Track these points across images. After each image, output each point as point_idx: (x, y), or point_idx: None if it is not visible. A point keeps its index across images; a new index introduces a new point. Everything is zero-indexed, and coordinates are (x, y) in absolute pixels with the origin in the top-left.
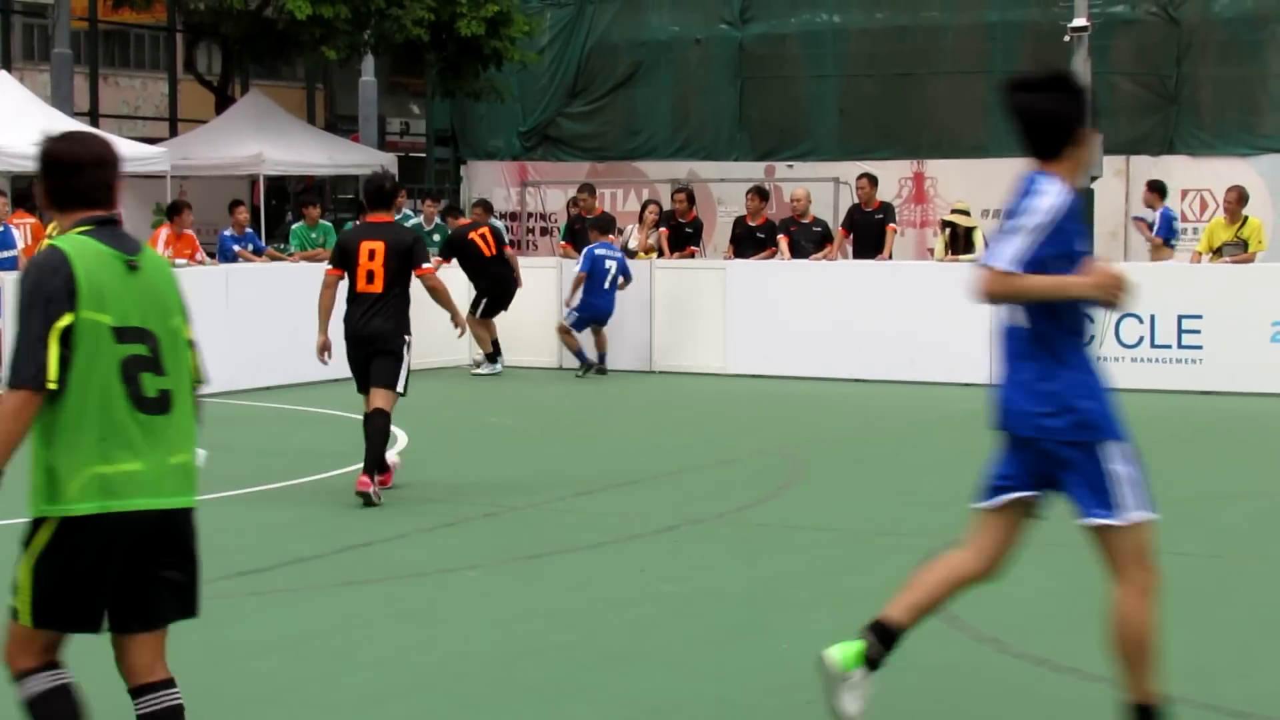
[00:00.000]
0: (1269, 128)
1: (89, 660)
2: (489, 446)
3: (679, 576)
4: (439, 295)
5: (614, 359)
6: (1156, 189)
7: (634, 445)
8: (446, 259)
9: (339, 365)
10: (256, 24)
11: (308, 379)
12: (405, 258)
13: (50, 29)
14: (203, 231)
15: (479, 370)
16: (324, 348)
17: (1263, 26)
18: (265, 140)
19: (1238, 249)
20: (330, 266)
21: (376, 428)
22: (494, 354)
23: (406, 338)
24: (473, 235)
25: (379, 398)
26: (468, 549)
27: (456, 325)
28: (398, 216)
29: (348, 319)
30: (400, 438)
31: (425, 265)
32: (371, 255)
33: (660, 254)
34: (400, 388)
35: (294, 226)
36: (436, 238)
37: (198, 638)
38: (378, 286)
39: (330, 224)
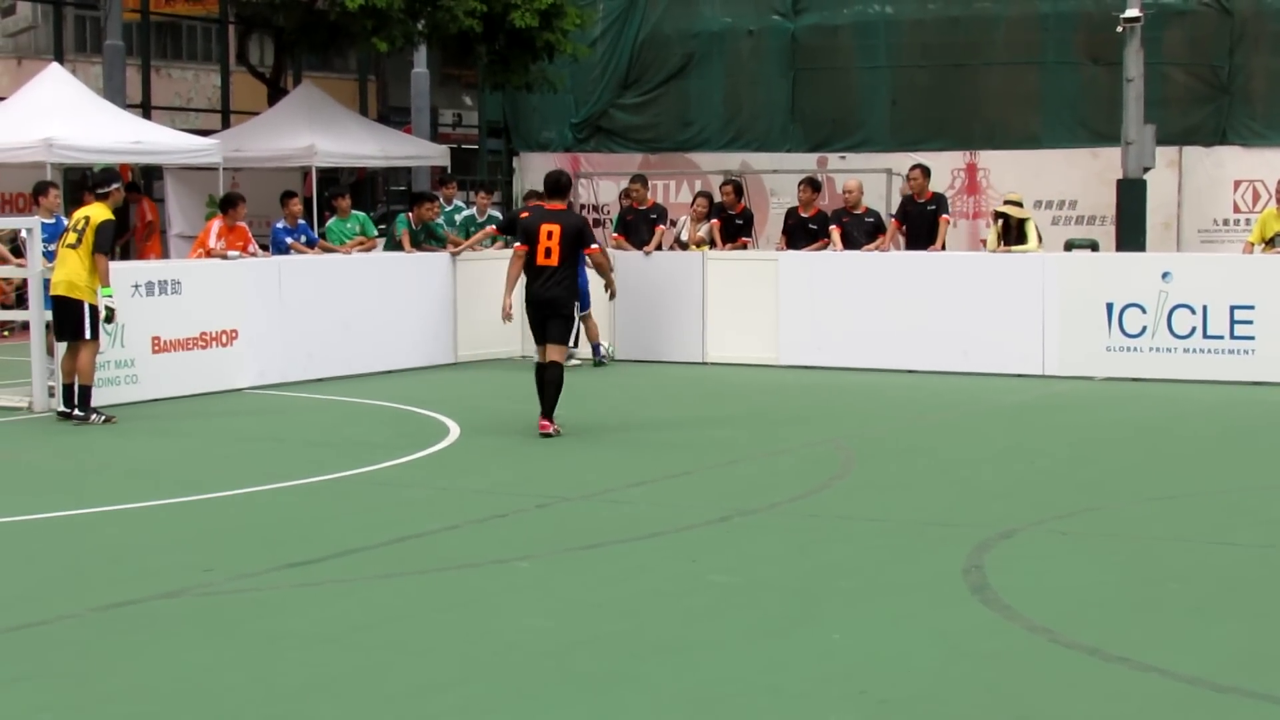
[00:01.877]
0: None
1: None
2: (541, 438)
3: (731, 567)
4: (602, 269)
5: (666, 350)
6: None
7: (686, 436)
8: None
9: (391, 357)
10: (309, 15)
11: (360, 370)
12: (576, 238)
13: (102, 21)
14: (255, 224)
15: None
16: (507, 311)
17: None
18: (317, 132)
19: None
20: (518, 243)
21: (551, 378)
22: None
23: (576, 303)
24: None
25: (553, 352)
26: (520, 540)
27: (611, 296)
28: (448, 208)
29: (529, 287)
30: (452, 429)
31: (593, 245)
32: (550, 235)
33: (712, 245)
34: (571, 344)
35: (329, 224)
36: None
37: (251, 628)
38: (554, 261)
39: (365, 214)
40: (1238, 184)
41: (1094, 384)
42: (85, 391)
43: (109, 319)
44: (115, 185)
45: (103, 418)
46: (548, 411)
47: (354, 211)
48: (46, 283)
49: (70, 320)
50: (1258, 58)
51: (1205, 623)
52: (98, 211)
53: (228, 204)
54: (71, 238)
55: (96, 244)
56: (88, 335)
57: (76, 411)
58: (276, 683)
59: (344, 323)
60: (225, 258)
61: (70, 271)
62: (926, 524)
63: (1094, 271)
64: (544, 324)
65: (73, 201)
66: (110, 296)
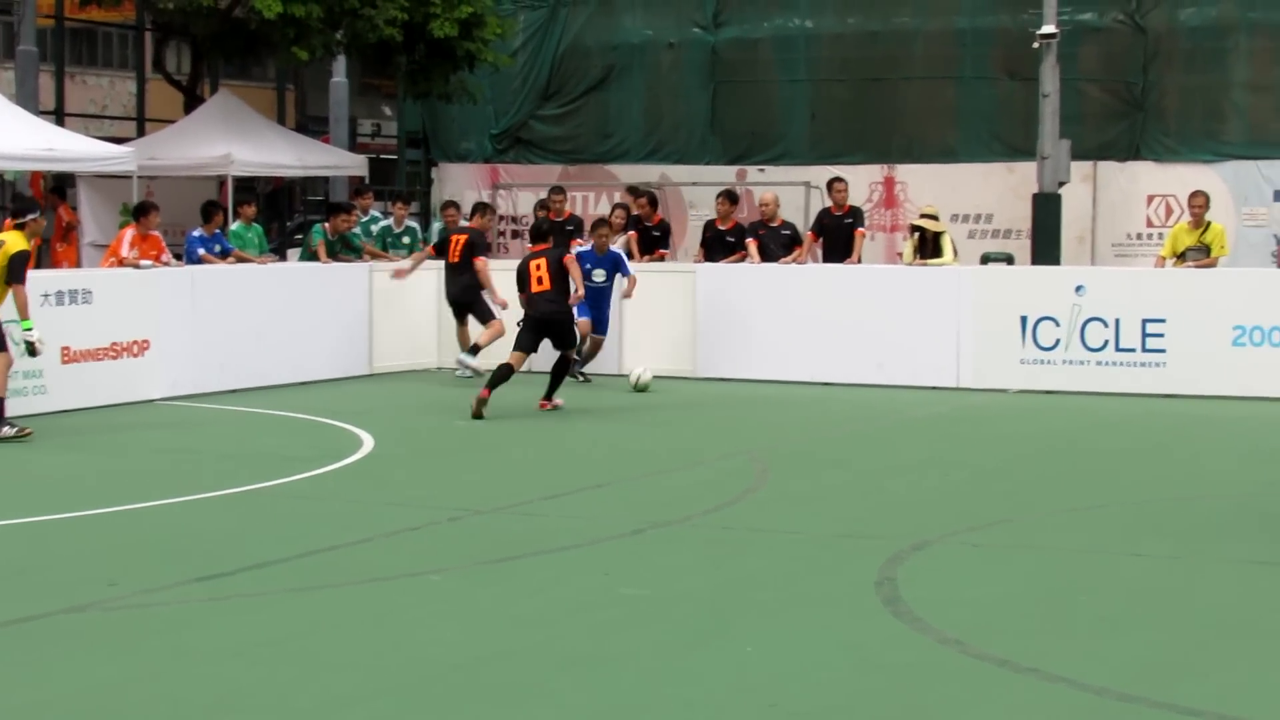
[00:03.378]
0: (1232, 134)
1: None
2: (455, 450)
3: (644, 580)
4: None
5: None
6: None
7: (601, 449)
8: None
9: (305, 368)
10: (226, 23)
11: (274, 382)
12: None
13: (15, 26)
14: (169, 232)
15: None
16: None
17: (1227, 35)
18: (234, 141)
19: (1201, 254)
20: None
21: (561, 363)
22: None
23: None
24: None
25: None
26: (432, 553)
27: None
28: (365, 219)
29: (535, 305)
30: (366, 441)
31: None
32: (539, 267)
33: (630, 257)
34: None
35: (233, 227)
36: (406, 240)
37: (158, 644)
38: (548, 285)
39: (261, 226)
40: (1151, 199)
41: (1008, 396)
42: None
43: (32, 352)
44: (33, 215)
45: (15, 429)
46: (549, 393)
47: (254, 223)
48: None
49: None
50: (1171, 75)
51: (1113, 633)
52: (13, 241)
53: (141, 212)
54: None
55: (10, 276)
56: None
57: None
58: (183, 699)
59: (258, 333)
60: (138, 267)
61: None
62: (840, 536)
63: (1009, 285)
64: (540, 335)
65: None
66: (30, 330)
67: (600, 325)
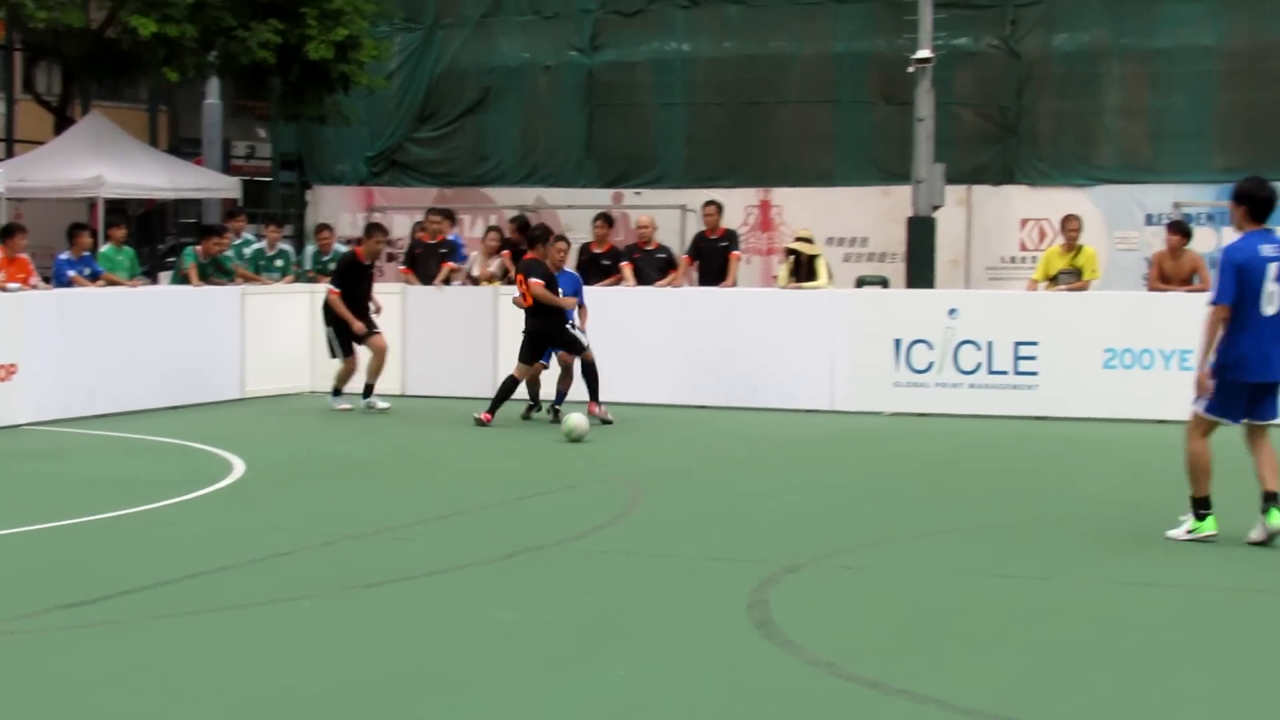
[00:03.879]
0: (1104, 159)
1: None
2: (327, 474)
3: (515, 604)
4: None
5: (455, 386)
6: None
7: (474, 473)
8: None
9: (176, 392)
10: (98, 43)
11: (144, 406)
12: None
13: None
14: (38, 255)
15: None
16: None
17: (1099, 61)
18: (105, 162)
19: (1073, 277)
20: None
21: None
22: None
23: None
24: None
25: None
26: (302, 578)
27: None
28: (238, 241)
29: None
30: (236, 466)
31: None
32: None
33: (505, 280)
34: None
35: (103, 250)
36: (279, 263)
37: (20, 671)
38: (529, 301)
39: (133, 249)
40: (1024, 222)
41: (882, 419)
42: None
43: None
44: None
45: None
46: (594, 396)
47: (125, 247)
48: None
49: None
50: (1044, 100)
51: (984, 655)
52: None
53: (7, 234)
54: None
55: None
56: None
57: None
58: None
59: (128, 357)
60: (4, 290)
61: None
62: (712, 559)
63: (883, 308)
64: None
65: None
66: None
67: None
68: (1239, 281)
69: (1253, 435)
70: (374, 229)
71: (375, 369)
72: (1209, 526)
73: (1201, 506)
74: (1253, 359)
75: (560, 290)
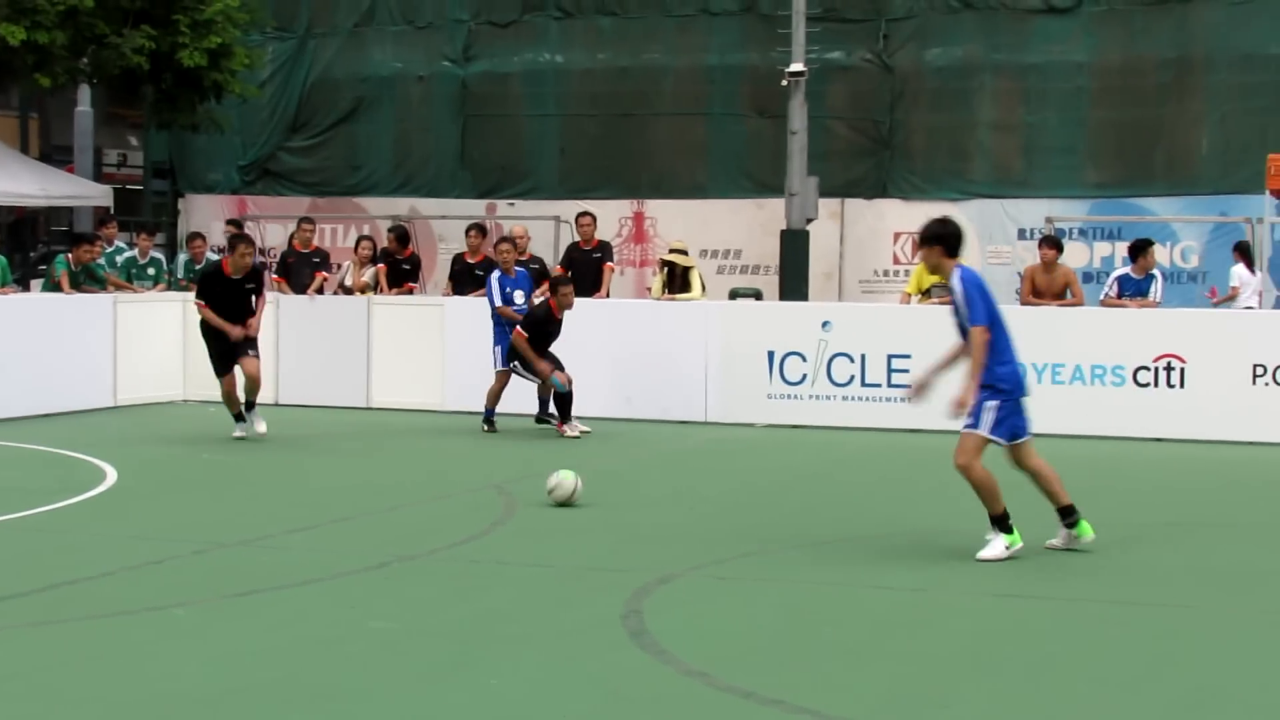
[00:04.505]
0: (977, 173)
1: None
2: (200, 483)
3: (389, 613)
4: None
5: (331, 394)
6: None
7: (348, 482)
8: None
9: (47, 400)
10: None
11: (14, 414)
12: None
13: None
14: None
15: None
16: None
17: (972, 76)
18: None
19: (945, 291)
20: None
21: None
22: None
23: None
24: None
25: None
26: (176, 587)
27: None
28: (110, 249)
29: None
30: (109, 473)
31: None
32: None
33: (378, 290)
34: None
35: None
36: (151, 271)
37: None
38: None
39: (4, 257)
40: (897, 235)
41: (755, 430)
42: None
43: None
44: None
45: None
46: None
47: None
48: None
49: None
50: (917, 114)
51: (858, 665)
52: None
53: None
54: None
55: None
56: None
57: None
58: None
59: None
60: None
61: None
62: (587, 569)
63: (756, 320)
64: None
65: None
66: None
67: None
68: (987, 302)
69: (1024, 452)
70: (238, 240)
71: (248, 389)
72: (1019, 539)
73: (1004, 521)
74: (1022, 375)
75: (509, 291)
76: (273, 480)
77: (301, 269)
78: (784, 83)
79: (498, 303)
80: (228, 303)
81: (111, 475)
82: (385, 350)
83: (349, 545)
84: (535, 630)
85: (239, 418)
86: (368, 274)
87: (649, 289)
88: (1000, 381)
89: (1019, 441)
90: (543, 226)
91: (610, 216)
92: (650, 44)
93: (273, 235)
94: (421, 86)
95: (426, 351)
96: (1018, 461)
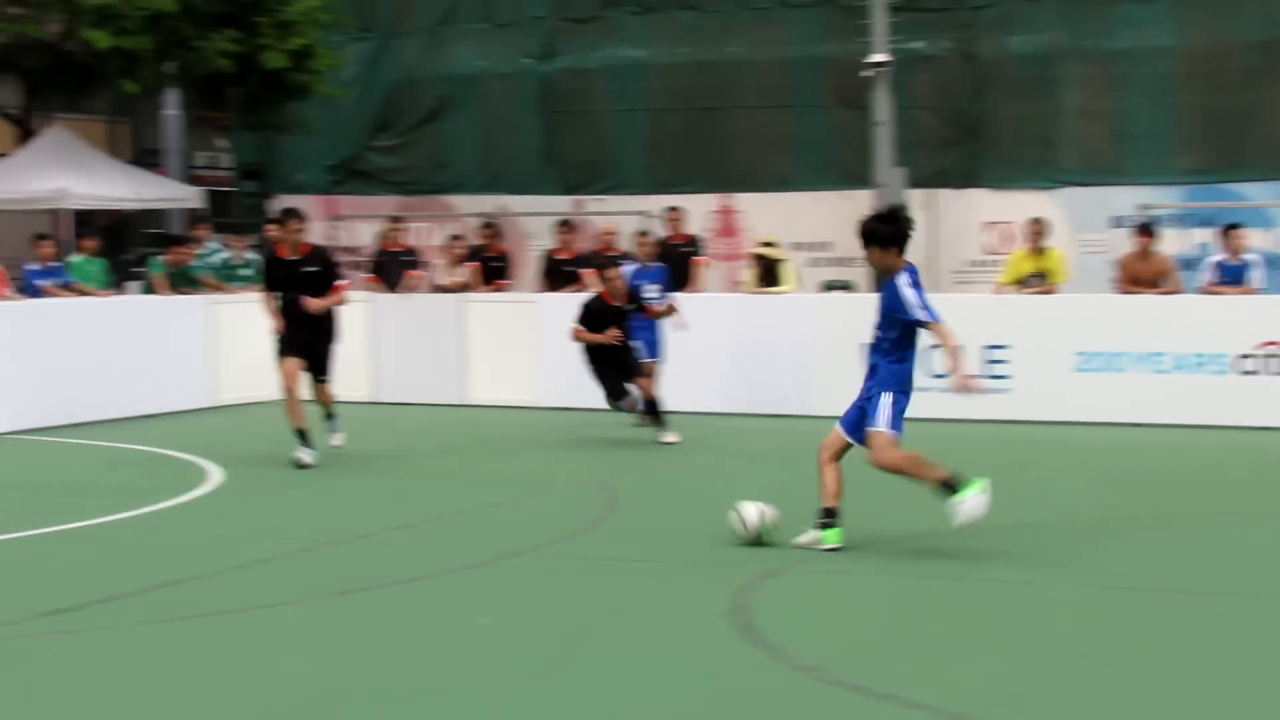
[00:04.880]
0: (1066, 161)
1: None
2: (301, 482)
3: (496, 610)
4: None
5: (424, 393)
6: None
7: (449, 479)
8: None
9: (149, 400)
10: (57, 56)
11: (117, 415)
12: None
13: None
14: (5, 266)
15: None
16: None
17: (1057, 63)
18: (68, 174)
19: (1041, 280)
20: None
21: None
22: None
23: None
24: None
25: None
26: (284, 584)
27: None
28: (203, 251)
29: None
30: (213, 473)
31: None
32: None
33: (469, 288)
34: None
35: (74, 260)
36: (245, 272)
37: (10, 677)
38: None
39: (105, 260)
40: (988, 225)
41: None
42: None
43: None
44: None
45: None
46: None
47: (96, 257)
48: None
49: None
50: (1002, 102)
51: (969, 658)
52: None
53: None
54: None
55: None
56: None
57: None
58: None
59: (99, 366)
60: None
61: None
62: (691, 564)
63: (852, 312)
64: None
65: None
66: None
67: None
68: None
69: (843, 449)
70: (289, 215)
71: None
72: (979, 482)
73: (951, 482)
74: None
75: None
76: (373, 478)
77: (392, 268)
78: (867, 73)
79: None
80: (289, 288)
81: (214, 475)
82: (480, 347)
83: (453, 542)
84: (642, 626)
85: (303, 436)
86: (460, 273)
87: (741, 283)
88: (906, 381)
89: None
90: (630, 222)
91: (697, 211)
92: (730, 37)
93: (363, 235)
94: (504, 84)
95: (521, 347)
96: (838, 454)
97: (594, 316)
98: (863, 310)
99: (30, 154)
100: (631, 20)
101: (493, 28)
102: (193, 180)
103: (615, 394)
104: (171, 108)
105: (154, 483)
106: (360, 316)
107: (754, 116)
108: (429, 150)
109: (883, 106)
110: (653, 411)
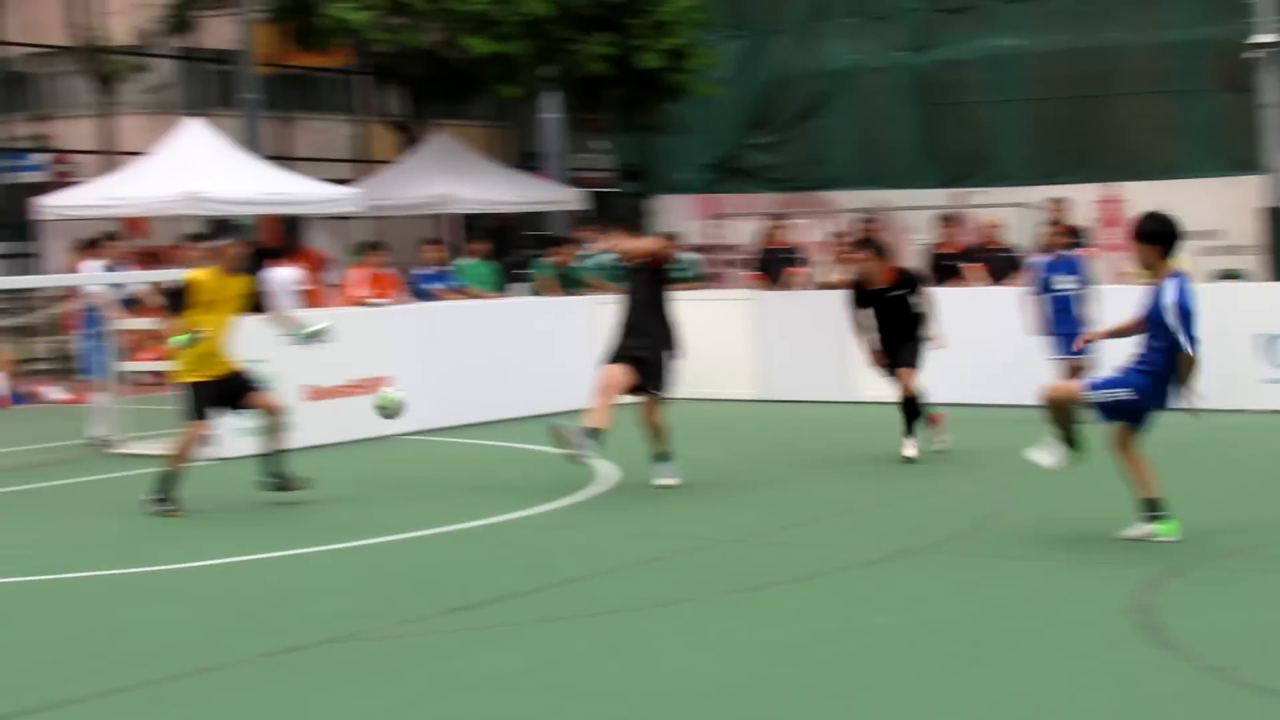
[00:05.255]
0: None
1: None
2: (693, 481)
3: (894, 607)
4: None
5: (810, 390)
6: None
7: (841, 476)
8: None
9: (539, 401)
10: (439, 64)
11: (509, 415)
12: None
13: (237, 75)
14: (395, 271)
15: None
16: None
17: None
18: (453, 179)
19: None
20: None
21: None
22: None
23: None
24: None
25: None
26: (680, 582)
27: None
28: (587, 252)
29: None
30: (606, 472)
31: None
32: None
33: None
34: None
35: (465, 263)
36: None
37: (416, 673)
38: None
39: (495, 262)
40: None
41: (1245, 417)
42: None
43: (314, 338)
44: (229, 240)
45: (169, 508)
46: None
47: (487, 260)
48: None
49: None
50: None
51: None
52: (212, 277)
53: (369, 251)
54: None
55: (250, 307)
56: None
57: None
58: None
59: (490, 367)
60: (371, 305)
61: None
62: (1089, 562)
63: (1245, 302)
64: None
65: None
66: (310, 329)
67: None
68: None
69: (1126, 437)
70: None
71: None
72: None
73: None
74: None
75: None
76: (766, 476)
77: (775, 265)
78: (1252, 55)
79: (1032, 289)
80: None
81: (609, 473)
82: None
83: (847, 540)
84: (1041, 624)
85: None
86: (845, 269)
87: (1127, 273)
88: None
89: None
90: (1011, 214)
91: (1081, 201)
92: (1108, 23)
93: (743, 233)
94: (879, 77)
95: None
96: (1125, 442)
97: (859, 300)
98: (1258, 299)
99: (415, 161)
100: (1006, 8)
101: (865, 21)
102: (573, 182)
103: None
104: (550, 111)
105: (545, 482)
106: (745, 314)
107: (1136, 103)
108: (806, 146)
109: (1270, 88)
110: (910, 410)
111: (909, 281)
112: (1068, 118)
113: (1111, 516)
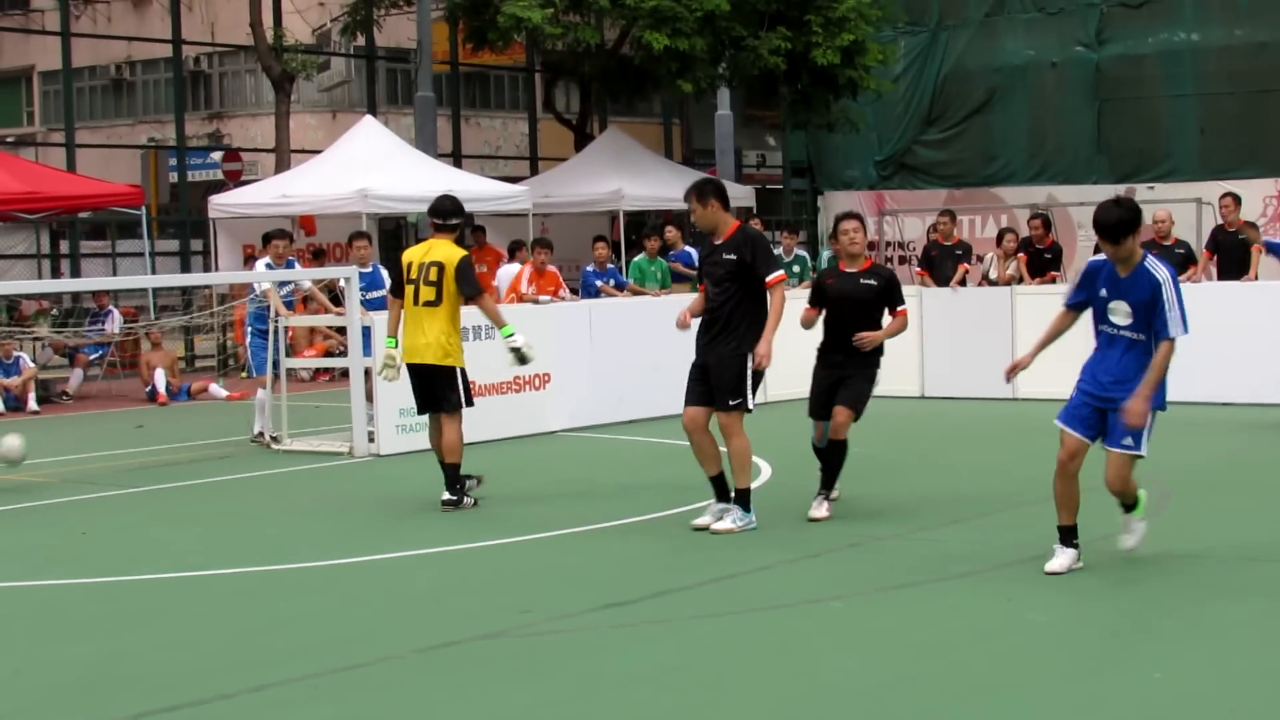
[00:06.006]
0: None
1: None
2: (849, 475)
3: (1046, 605)
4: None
5: (973, 387)
6: None
7: (996, 473)
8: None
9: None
10: (613, 61)
11: (669, 412)
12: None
13: (413, 73)
14: (564, 268)
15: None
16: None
17: None
18: (623, 176)
19: None
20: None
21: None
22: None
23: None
24: None
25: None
26: (833, 579)
27: None
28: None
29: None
30: (763, 469)
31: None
32: None
33: (1020, 281)
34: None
35: (635, 260)
36: (795, 269)
37: (570, 669)
38: None
39: (664, 261)
40: None
41: None
42: (453, 470)
43: (521, 360)
44: (460, 219)
45: (473, 501)
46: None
47: (657, 258)
48: (366, 331)
49: (437, 390)
50: None
51: None
52: (446, 252)
53: (536, 249)
54: (428, 293)
55: (465, 287)
56: (463, 404)
57: (447, 496)
58: None
59: (654, 364)
60: (536, 302)
61: (435, 333)
62: (1246, 560)
63: None
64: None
65: (391, 249)
66: (513, 335)
67: None
68: None
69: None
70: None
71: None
72: None
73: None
74: None
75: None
76: (919, 472)
77: (944, 261)
78: None
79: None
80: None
81: (765, 469)
82: (1031, 340)
83: (1003, 537)
84: (1197, 622)
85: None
86: (1012, 265)
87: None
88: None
89: None
90: (1184, 209)
91: (1254, 196)
92: None
93: (911, 229)
94: (1054, 73)
95: (1071, 341)
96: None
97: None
98: None
99: (587, 158)
100: (1185, 3)
101: (1044, 16)
102: (742, 179)
103: None
104: (723, 108)
105: (701, 478)
106: (911, 311)
107: None
108: (978, 142)
109: None
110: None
111: None
112: (1242, 112)
113: (1272, 513)
